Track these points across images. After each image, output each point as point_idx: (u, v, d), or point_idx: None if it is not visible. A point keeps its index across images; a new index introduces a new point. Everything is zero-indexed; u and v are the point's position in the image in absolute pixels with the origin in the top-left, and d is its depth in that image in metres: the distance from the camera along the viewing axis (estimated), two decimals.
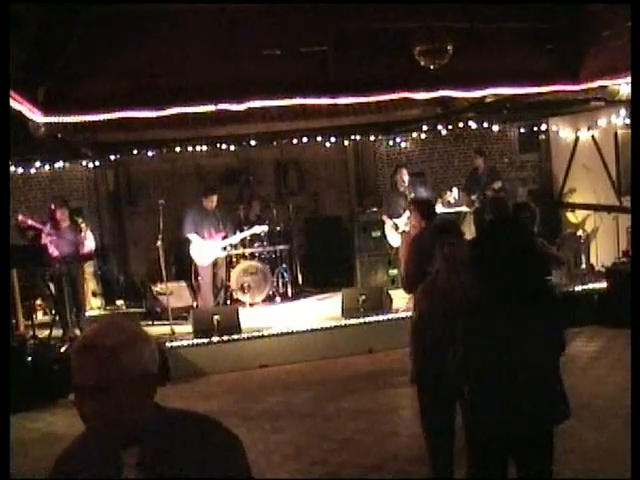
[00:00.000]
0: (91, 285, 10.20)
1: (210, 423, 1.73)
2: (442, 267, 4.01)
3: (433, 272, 4.13)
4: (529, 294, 2.84)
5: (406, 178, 9.17)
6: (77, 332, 8.03)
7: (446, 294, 3.90)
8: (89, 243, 8.30)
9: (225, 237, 8.99)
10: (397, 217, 8.99)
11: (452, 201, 9.13)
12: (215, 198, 8.93)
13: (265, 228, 9.43)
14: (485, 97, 7.59)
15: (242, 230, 9.34)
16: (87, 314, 9.12)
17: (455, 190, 9.21)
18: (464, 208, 9.50)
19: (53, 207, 8.37)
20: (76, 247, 8.13)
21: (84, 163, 10.60)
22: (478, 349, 2.88)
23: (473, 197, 9.69)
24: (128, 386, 1.56)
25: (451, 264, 3.96)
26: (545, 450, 2.95)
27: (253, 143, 10.02)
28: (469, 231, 9.13)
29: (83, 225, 8.36)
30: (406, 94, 6.75)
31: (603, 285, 8.29)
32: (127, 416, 1.58)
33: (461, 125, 9.99)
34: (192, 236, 8.81)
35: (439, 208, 9.16)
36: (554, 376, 2.94)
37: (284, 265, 9.92)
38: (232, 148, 10.38)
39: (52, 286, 8.44)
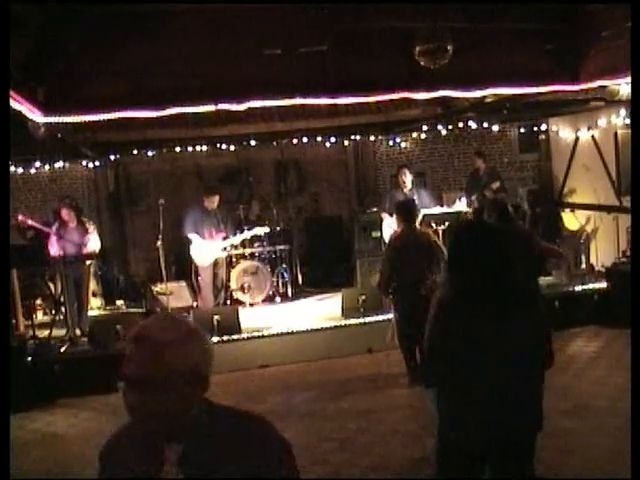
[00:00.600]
0: (91, 285, 10.19)
1: (260, 424, 1.71)
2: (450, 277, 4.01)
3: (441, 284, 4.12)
4: (504, 297, 2.74)
5: (408, 178, 9.18)
6: (77, 332, 8.04)
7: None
8: (92, 244, 8.31)
9: (226, 237, 8.99)
10: None
11: (460, 208, 9.20)
12: (216, 198, 8.93)
13: (266, 229, 9.43)
14: (485, 97, 7.58)
15: (242, 230, 9.34)
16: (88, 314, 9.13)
17: (464, 200, 9.30)
18: (464, 208, 9.49)
19: (60, 208, 8.37)
20: (80, 247, 8.14)
21: (84, 163, 10.61)
22: (447, 352, 2.79)
23: (473, 198, 9.69)
24: (176, 383, 1.57)
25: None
26: (521, 458, 2.87)
27: (253, 143, 10.02)
28: None
29: (92, 227, 8.37)
30: (406, 94, 6.75)
31: (603, 285, 8.29)
32: (171, 412, 1.59)
33: (461, 125, 9.99)
34: (192, 236, 8.81)
35: (440, 208, 9.19)
36: (532, 388, 2.82)
37: (284, 265, 9.92)
38: (232, 148, 10.39)
39: (52, 286, 8.45)
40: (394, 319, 6.64)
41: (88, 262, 8.45)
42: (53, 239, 8.02)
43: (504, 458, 2.85)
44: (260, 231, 9.35)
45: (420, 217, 8.79)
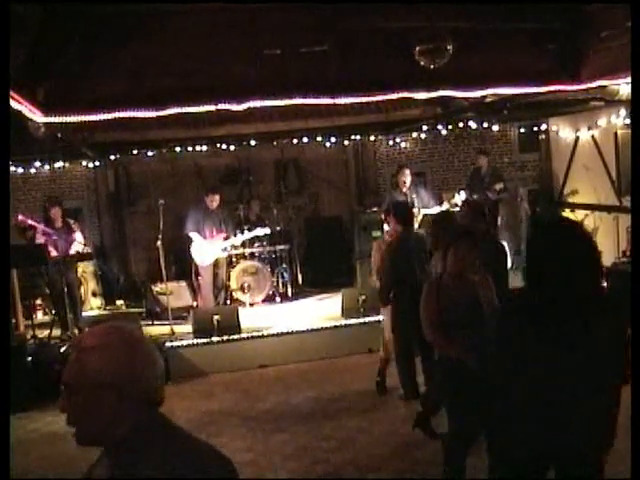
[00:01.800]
0: (91, 285, 10.21)
1: (200, 452, 1.60)
2: (453, 267, 4.01)
3: (436, 273, 4.13)
4: (586, 303, 2.49)
5: (408, 178, 9.18)
6: (76, 332, 8.05)
7: (455, 294, 3.92)
8: (76, 244, 8.33)
9: (227, 237, 9.00)
10: None
11: (459, 203, 9.17)
12: (217, 198, 8.94)
13: (267, 231, 9.43)
14: (485, 97, 7.58)
15: (242, 230, 9.34)
16: (87, 314, 9.14)
17: (463, 193, 9.25)
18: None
19: (47, 206, 8.41)
20: (67, 247, 8.16)
21: (84, 163, 10.61)
22: (511, 364, 2.60)
23: (474, 197, 9.67)
24: (92, 393, 1.54)
25: (463, 265, 3.98)
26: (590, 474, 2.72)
27: (253, 143, 10.03)
28: None
29: (75, 225, 8.39)
30: (406, 94, 6.74)
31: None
32: (91, 425, 1.56)
33: (461, 125, 9.99)
34: (193, 235, 8.81)
35: (440, 208, 9.18)
36: (606, 406, 2.64)
37: (284, 265, 9.92)
38: (232, 148, 10.39)
39: (49, 286, 8.46)
40: (388, 328, 6.25)
41: (80, 263, 8.47)
42: (42, 239, 8.04)
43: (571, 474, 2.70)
44: (261, 232, 9.34)
45: (420, 217, 8.80)
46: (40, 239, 8.07)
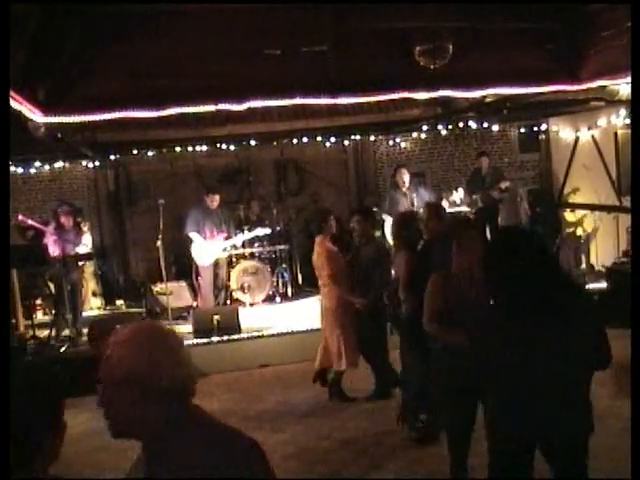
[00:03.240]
0: (91, 285, 10.21)
1: (232, 444, 1.66)
2: (458, 264, 4.01)
3: (442, 269, 4.13)
4: (550, 296, 2.75)
5: (406, 178, 9.18)
6: (73, 332, 8.05)
7: (461, 290, 3.93)
8: (85, 246, 8.34)
9: (227, 237, 9.00)
10: None
11: (458, 201, 9.17)
12: (217, 198, 8.93)
13: (268, 231, 9.42)
14: (485, 97, 7.58)
15: (242, 230, 9.34)
16: (87, 314, 9.14)
17: (461, 190, 9.25)
18: (464, 208, 9.49)
19: (59, 212, 8.39)
20: (75, 248, 8.17)
21: (84, 163, 10.61)
22: (495, 354, 2.82)
23: (475, 197, 9.68)
24: (118, 387, 1.59)
25: (469, 261, 3.98)
26: (574, 459, 2.90)
27: (253, 143, 10.02)
28: None
29: (85, 228, 8.40)
30: (406, 94, 6.74)
31: (603, 285, 8.29)
32: (121, 418, 1.60)
33: (461, 125, 9.99)
34: (193, 235, 8.81)
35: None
36: (580, 391, 2.84)
37: (284, 265, 9.92)
38: (232, 148, 10.39)
39: (52, 286, 8.46)
40: (331, 335, 6.29)
41: (81, 263, 8.47)
42: (51, 239, 8.04)
43: (557, 458, 2.89)
44: (261, 232, 9.34)
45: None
46: (50, 238, 8.06)
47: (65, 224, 8.24)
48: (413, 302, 4.85)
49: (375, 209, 10.14)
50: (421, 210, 8.79)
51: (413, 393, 5.27)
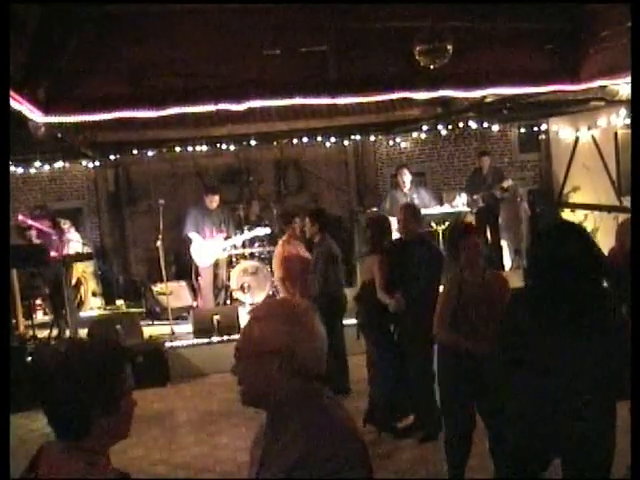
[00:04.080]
0: (91, 285, 10.20)
1: (340, 432, 1.70)
2: (466, 266, 4.04)
3: (456, 271, 4.15)
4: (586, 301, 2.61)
5: (407, 178, 9.17)
6: (74, 332, 8.05)
7: (472, 291, 3.95)
8: (73, 244, 8.32)
9: (227, 237, 8.99)
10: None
11: (460, 206, 9.18)
12: (217, 198, 8.93)
13: (267, 230, 9.43)
14: (485, 97, 7.58)
15: (242, 230, 9.34)
16: (87, 314, 9.13)
17: (464, 195, 9.26)
18: (464, 208, 9.48)
19: (35, 216, 8.38)
20: (59, 249, 8.14)
21: (84, 163, 10.61)
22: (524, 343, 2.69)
23: (475, 197, 9.65)
24: (259, 358, 1.69)
25: (475, 263, 4.01)
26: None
27: (253, 143, 10.02)
28: None
29: (66, 226, 8.37)
30: (406, 94, 6.75)
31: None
32: (257, 385, 1.71)
33: (461, 125, 9.98)
34: (193, 235, 8.81)
35: (442, 207, 9.19)
36: (604, 420, 2.74)
37: None
38: (232, 148, 10.39)
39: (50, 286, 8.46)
40: None
41: (81, 263, 8.47)
42: (38, 241, 8.04)
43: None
44: (261, 232, 9.35)
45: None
46: (36, 240, 8.05)
47: (42, 228, 8.22)
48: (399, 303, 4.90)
49: (375, 209, 10.18)
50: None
51: (386, 394, 5.30)
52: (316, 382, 1.72)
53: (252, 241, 9.59)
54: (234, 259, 9.51)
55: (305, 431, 1.63)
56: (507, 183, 9.55)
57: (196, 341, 7.66)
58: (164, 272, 8.48)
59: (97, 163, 10.55)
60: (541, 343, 2.64)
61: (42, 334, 7.99)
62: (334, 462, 1.60)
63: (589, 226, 10.10)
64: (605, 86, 7.02)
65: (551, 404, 2.66)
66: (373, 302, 5.14)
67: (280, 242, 6.60)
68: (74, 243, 8.40)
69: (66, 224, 8.52)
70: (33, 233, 8.09)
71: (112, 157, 10.27)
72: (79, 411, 1.69)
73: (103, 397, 1.70)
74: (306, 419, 1.65)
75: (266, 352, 1.67)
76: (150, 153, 10.22)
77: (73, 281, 8.73)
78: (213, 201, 8.88)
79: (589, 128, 9.94)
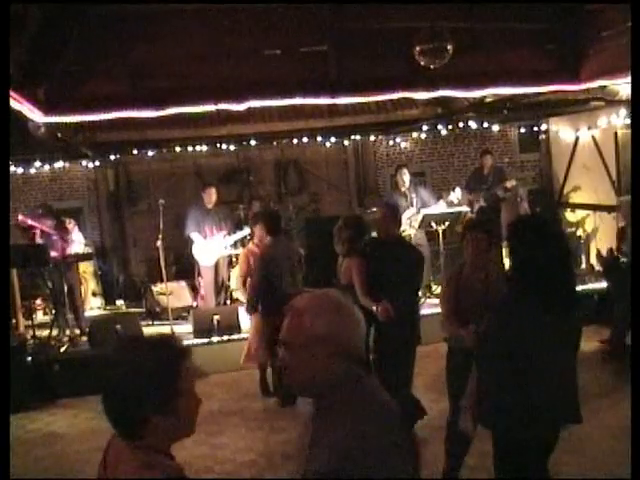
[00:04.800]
0: (91, 285, 10.20)
1: (387, 411, 1.77)
2: (469, 262, 4.04)
3: (457, 267, 4.17)
4: (563, 293, 2.89)
5: (407, 178, 9.16)
6: (77, 332, 8.05)
7: (473, 287, 3.95)
8: (76, 245, 8.31)
9: (227, 235, 8.98)
10: None
11: (455, 201, 9.12)
12: (213, 191, 8.88)
13: None
14: (485, 97, 7.58)
15: (242, 229, 9.33)
16: (87, 314, 9.12)
17: (458, 190, 9.19)
18: (464, 208, 9.47)
19: (39, 214, 8.34)
20: (64, 248, 8.13)
21: (84, 163, 10.60)
22: (497, 343, 2.90)
23: (475, 196, 9.62)
24: (307, 347, 1.76)
25: (479, 259, 4.01)
26: (546, 450, 2.98)
27: (253, 143, 10.02)
28: None
29: (71, 225, 8.36)
30: (406, 94, 6.75)
31: (603, 285, 8.28)
32: (304, 374, 1.79)
33: (461, 125, 9.98)
34: (194, 235, 8.80)
35: (441, 207, 9.18)
36: (572, 375, 3.01)
37: None
38: (232, 148, 10.38)
39: (51, 286, 8.45)
40: (256, 337, 6.45)
41: (82, 262, 8.45)
42: (40, 240, 8.01)
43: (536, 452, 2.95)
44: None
45: (420, 217, 8.79)
46: (39, 240, 8.04)
47: (45, 227, 8.20)
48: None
49: (375, 209, 10.16)
50: (418, 210, 8.89)
51: None
52: (358, 366, 1.81)
53: (252, 241, 9.58)
54: (234, 259, 9.50)
55: (355, 412, 1.70)
56: (510, 183, 9.52)
57: (196, 341, 7.66)
58: (164, 272, 8.47)
59: (97, 163, 10.54)
60: (531, 324, 2.84)
61: (42, 334, 7.99)
62: (384, 440, 1.67)
63: (589, 226, 10.11)
64: (605, 86, 7.02)
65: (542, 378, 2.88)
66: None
67: (250, 242, 6.80)
68: (77, 244, 8.38)
69: (71, 223, 8.50)
70: (37, 232, 8.07)
71: (112, 157, 10.26)
72: (131, 410, 1.68)
73: (155, 396, 1.67)
74: (356, 400, 1.73)
75: (318, 340, 1.74)
76: (150, 153, 10.21)
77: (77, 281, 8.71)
78: (210, 195, 8.85)
79: (589, 128, 9.94)
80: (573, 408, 2.99)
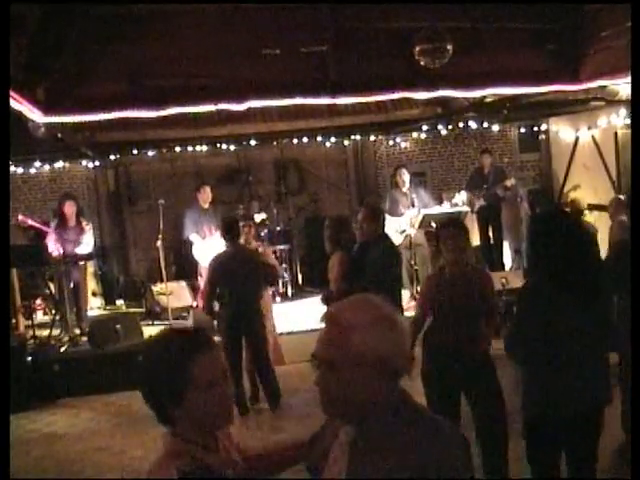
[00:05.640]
0: (91, 285, 10.19)
1: (439, 425, 1.62)
2: (448, 260, 4.04)
3: (436, 269, 4.18)
4: (587, 280, 2.97)
5: (406, 178, 9.16)
6: (77, 331, 8.05)
7: (455, 286, 3.95)
8: (86, 245, 8.31)
9: None
10: (398, 216, 8.99)
11: (460, 204, 9.14)
12: (208, 190, 8.89)
13: (264, 216, 9.46)
14: (485, 97, 7.58)
15: None
16: (87, 314, 9.12)
17: (463, 193, 9.23)
18: (464, 208, 9.47)
19: (63, 203, 8.33)
20: (76, 246, 8.15)
21: (84, 163, 10.60)
22: (532, 328, 2.99)
23: (476, 196, 9.62)
24: (354, 367, 1.55)
25: (456, 256, 4.01)
26: (594, 433, 3.08)
27: (253, 143, 10.02)
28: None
29: (88, 226, 8.36)
30: (406, 94, 6.75)
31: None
32: (347, 396, 1.58)
33: (461, 125, 9.98)
34: (193, 237, 8.80)
35: (442, 207, 9.18)
36: (604, 360, 3.10)
37: (284, 265, 9.91)
38: (232, 148, 10.38)
39: (52, 286, 8.45)
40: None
41: (82, 263, 8.44)
42: (52, 237, 8.01)
43: (577, 432, 3.05)
44: (258, 218, 9.38)
45: (420, 217, 8.79)
46: (51, 236, 8.01)
47: (68, 217, 8.17)
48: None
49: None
50: (418, 210, 8.89)
51: None
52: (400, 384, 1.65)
53: None
54: None
55: (407, 434, 1.54)
56: (510, 182, 9.53)
57: None
58: (164, 272, 8.48)
59: (97, 163, 10.54)
60: (556, 314, 2.95)
61: (42, 334, 7.99)
62: (441, 461, 1.52)
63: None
64: (605, 86, 7.02)
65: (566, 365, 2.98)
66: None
67: None
68: (84, 245, 8.37)
69: (88, 225, 8.50)
70: (51, 232, 8.07)
71: (112, 157, 10.26)
72: (151, 400, 1.72)
73: (168, 388, 1.68)
74: (406, 421, 1.57)
75: (366, 359, 1.55)
76: (150, 153, 10.21)
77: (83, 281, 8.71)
78: (206, 193, 8.85)
79: (589, 128, 9.94)
80: (606, 389, 3.09)
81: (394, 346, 1.57)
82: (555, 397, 3.00)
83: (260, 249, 7.05)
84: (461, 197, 9.07)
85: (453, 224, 4.23)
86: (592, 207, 10.03)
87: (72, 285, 8.09)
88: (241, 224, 6.64)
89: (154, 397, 1.72)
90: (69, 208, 8.20)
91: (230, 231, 6.13)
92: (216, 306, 6.18)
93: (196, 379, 1.68)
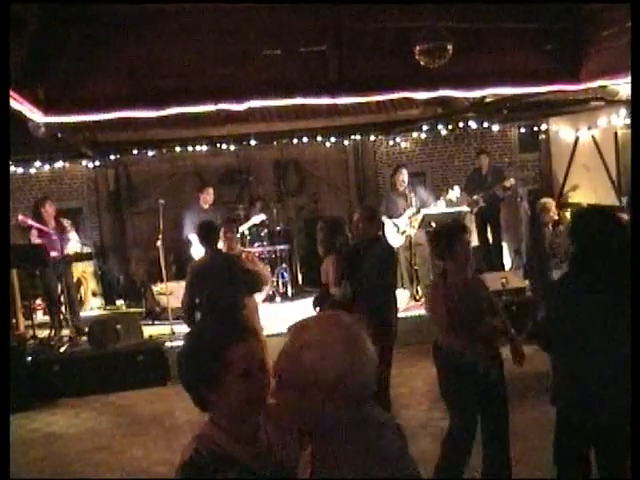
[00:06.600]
0: (91, 285, 10.20)
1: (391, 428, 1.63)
2: (451, 266, 4.03)
3: (438, 275, 4.16)
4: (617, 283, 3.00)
5: (405, 178, 9.15)
6: (67, 332, 8.03)
7: (458, 291, 3.94)
8: (72, 244, 8.31)
9: None
10: (397, 217, 8.98)
11: (454, 199, 9.10)
12: (211, 192, 8.92)
13: (263, 216, 9.46)
14: (485, 97, 7.58)
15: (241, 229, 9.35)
16: (87, 314, 9.14)
17: (457, 188, 9.18)
18: (464, 208, 9.47)
19: (38, 205, 8.34)
20: (62, 248, 8.12)
21: (84, 163, 10.61)
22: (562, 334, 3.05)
23: (475, 197, 9.62)
24: (298, 384, 1.51)
25: (460, 261, 4.00)
26: (624, 441, 3.01)
27: (253, 143, 10.02)
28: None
29: (69, 225, 8.36)
30: (406, 94, 6.75)
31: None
32: (292, 411, 1.56)
33: (461, 125, 9.98)
34: (192, 236, 8.80)
35: (441, 207, 9.17)
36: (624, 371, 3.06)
37: (284, 265, 9.92)
38: (232, 148, 10.39)
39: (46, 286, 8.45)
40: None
41: (79, 263, 8.44)
42: (36, 241, 7.99)
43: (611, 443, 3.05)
44: (257, 219, 9.38)
45: (420, 217, 8.79)
46: (36, 240, 8.01)
47: (47, 219, 8.15)
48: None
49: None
50: (417, 210, 8.88)
51: None
52: (365, 405, 1.57)
53: (252, 241, 9.60)
54: None
55: (356, 458, 1.50)
56: (509, 182, 9.53)
57: None
58: (164, 272, 8.47)
59: (97, 163, 10.55)
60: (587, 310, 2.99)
61: (42, 334, 7.99)
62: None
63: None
64: (605, 86, 7.02)
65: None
66: (330, 305, 5.11)
67: None
68: (73, 243, 8.38)
69: (68, 223, 8.51)
70: (34, 232, 8.06)
71: (112, 157, 10.27)
72: (187, 380, 1.80)
73: (203, 371, 1.75)
74: (356, 446, 1.51)
75: (318, 383, 1.48)
76: (150, 153, 10.22)
77: (74, 280, 8.71)
78: (208, 195, 8.86)
79: (589, 128, 9.94)
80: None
81: (351, 370, 1.48)
82: (589, 394, 3.00)
83: (243, 255, 6.81)
84: (455, 193, 9.02)
85: (456, 228, 4.21)
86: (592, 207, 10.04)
87: (65, 285, 8.08)
88: (222, 229, 6.30)
89: (190, 378, 1.79)
90: (49, 208, 8.20)
91: (207, 236, 5.79)
92: (198, 316, 5.83)
93: (232, 365, 1.73)
